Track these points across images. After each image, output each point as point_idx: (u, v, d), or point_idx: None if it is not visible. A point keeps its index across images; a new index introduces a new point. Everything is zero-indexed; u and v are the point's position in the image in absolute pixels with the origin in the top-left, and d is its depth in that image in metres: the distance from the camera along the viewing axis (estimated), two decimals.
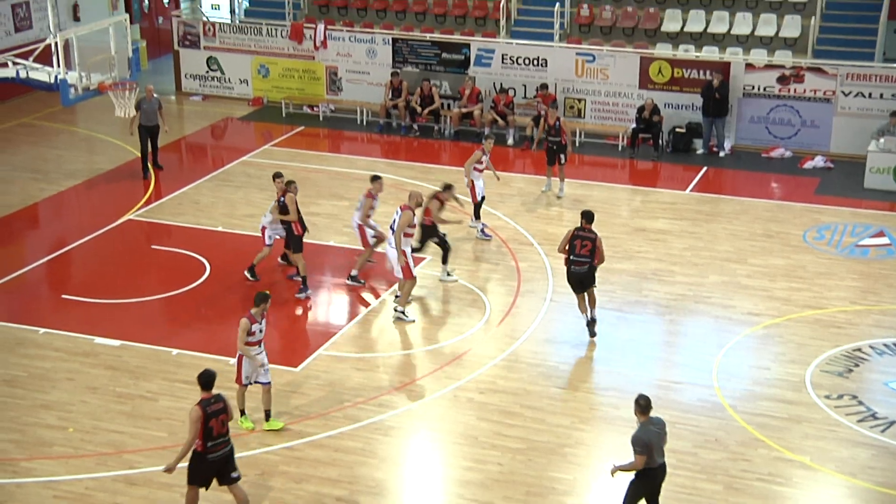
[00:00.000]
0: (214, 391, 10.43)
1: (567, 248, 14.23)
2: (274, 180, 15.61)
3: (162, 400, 12.85)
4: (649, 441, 9.96)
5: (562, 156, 19.35)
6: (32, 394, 13.07)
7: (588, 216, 14.38)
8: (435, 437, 12.43)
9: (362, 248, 16.19)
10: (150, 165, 20.33)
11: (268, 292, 12.21)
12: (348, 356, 14.09)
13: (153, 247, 17.41)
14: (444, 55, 23.98)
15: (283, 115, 24.74)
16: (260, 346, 12.11)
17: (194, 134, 23.84)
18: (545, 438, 12.28)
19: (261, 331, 12.03)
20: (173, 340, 14.31)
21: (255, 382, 12.21)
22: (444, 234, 16.13)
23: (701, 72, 22.33)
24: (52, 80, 18.49)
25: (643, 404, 10.10)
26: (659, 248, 17.52)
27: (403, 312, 15.02)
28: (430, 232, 16.06)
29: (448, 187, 16.23)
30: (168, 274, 16.40)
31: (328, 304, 15.85)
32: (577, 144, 22.69)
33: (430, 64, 24.09)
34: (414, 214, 14.98)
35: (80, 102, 20.76)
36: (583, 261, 14.18)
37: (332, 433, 12.33)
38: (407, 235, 14.97)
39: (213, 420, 10.24)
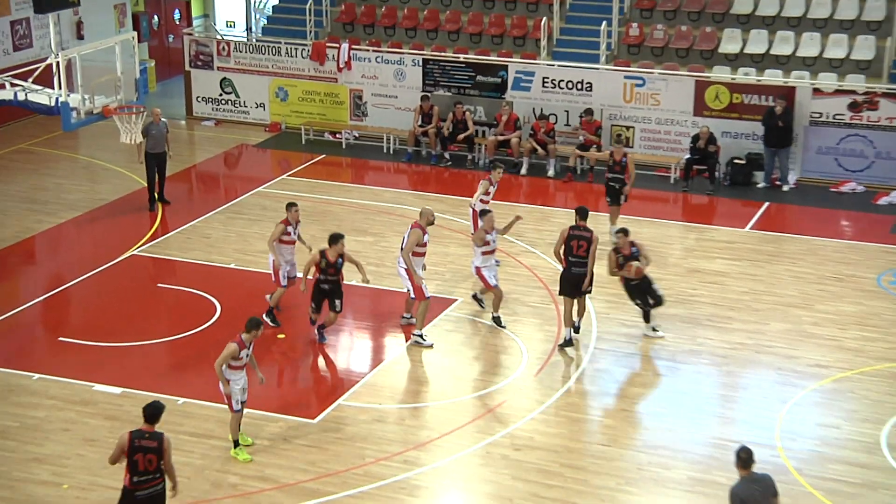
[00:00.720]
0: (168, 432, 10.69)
1: (564, 249, 15.11)
2: (288, 208, 15.59)
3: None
4: (746, 498, 9.88)
5: (623, 196, 19.09)
6: (24, 446, 13.15)
7: (582, 212, 15.27)
8: (465, 499, 12.38)
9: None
10: (156, 196, 20.47)
11: (260, 320, 12.84)
12: (371, 407, 14.09)
13: (159, 285, 17.54)
14: (479, 78, 24.12)
15: (303, 142, 24.94)
16: (242, 372, 12.70)
17: (205, 162, 24.07)
18: (588, 501, 12.20)
19: (247, 355, 12.67)
20: (180, 388, 14.38)
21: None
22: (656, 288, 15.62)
23: (762, 97, 22.30)
24: (53, 103, 18.76)
25: (744, 458, 10.10)
26: (715, 292, 17.44)
27: (421, 336, 15.43)
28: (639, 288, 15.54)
29: (623, 232, 15.52)
30: (175, 315, 16.50)
31: (349, 350, 15.86)
32: None
33: (464, 87, 24.23)
34: (424, 233, 15.48)
35: (82, 127, 21.05)
36: (581, 261, 14.99)
37: (353, 492, 12.31)
38: (416, 255, 15.48)
39: (138, 454, 10.52)
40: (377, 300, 17.13)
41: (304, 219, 20.02)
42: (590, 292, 15.55)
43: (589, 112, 22.69)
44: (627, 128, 23.30)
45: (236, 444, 12.87)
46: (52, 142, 24.76)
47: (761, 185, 22.24)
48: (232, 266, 18.23)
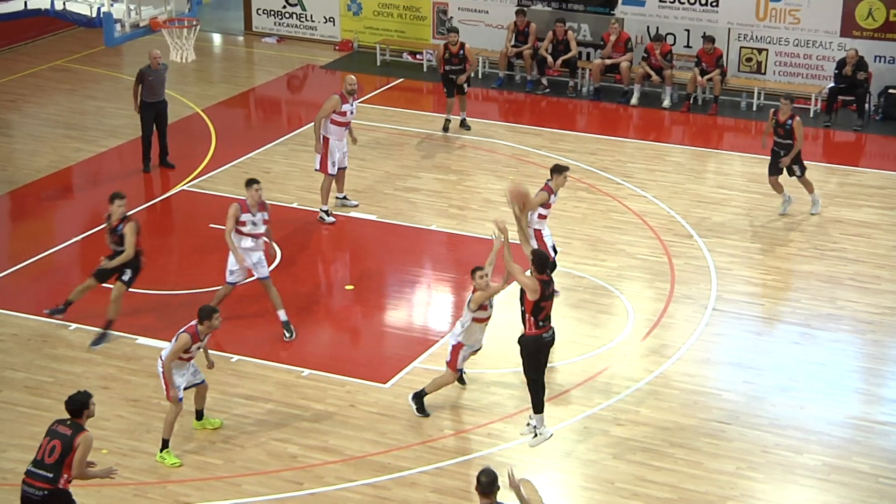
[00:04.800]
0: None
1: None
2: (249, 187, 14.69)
3: (217, 418, 13.10)
4: None
5: (796, 167, 17.75)
6: (59, 404, 13.31)
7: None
8: (559, 480, 12.39)
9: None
10: (150, 156, 19.51)
11: (214, 308, 12.50)
12: None
13: (211, 226, 17.72)
14: None
15: (378, 63, 24.93)
16: (187, 364, 12.50)
17: (266, 85, 24.19)
18: (703, 488, 12.13)
19: (198, 348, 12.45)
20: (232, 344, 14.56)
21: (193, 386, 12.70)
22: None
23: None
24: (94, 14, 18.91)
25: (485, 482, 9.48)
26: (860, 246, 17.15)
27: (326, 213, 17.77)
28: None
29: None
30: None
31: (426, 305, 15.89)
32: (755, 108, 22.34)
33: (567, 1, 23.95)
34: (344, 101, 17.46)
35: (127, 42, 21.23)
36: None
37: (429, 468, 12.38)
38: (336, 123, 17.55)
39: (45, 439, 10.49)
40: (460, 248, 17.10)
41: (377, 152, 20.13)
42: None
43: (710, 39, 22.22)
44: (760, 51, 22.87)
45: (166, 444, 12.45)
46: (92, 58, 25.08)
47: None
48: (294, 206, 18.35)
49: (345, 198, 18.25)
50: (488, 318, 13.05)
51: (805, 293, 15.88)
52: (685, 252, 16.93)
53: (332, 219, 17.72)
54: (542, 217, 14.81)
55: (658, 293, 15.86)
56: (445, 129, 21.08)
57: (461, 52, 20.76)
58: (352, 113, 17.76)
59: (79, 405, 10.61)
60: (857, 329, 15.08)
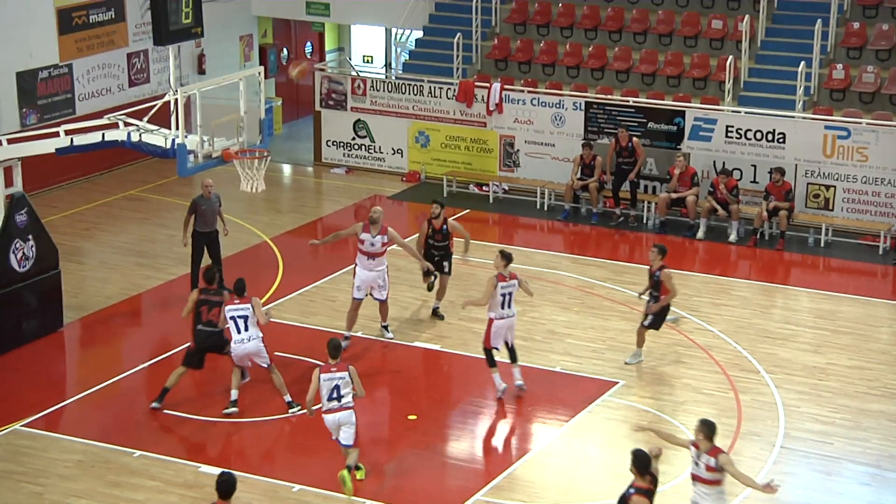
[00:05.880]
0: None
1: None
2: None
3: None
4: None
5: (651, 316, 17.39)
6: None
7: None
8: None
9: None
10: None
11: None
12: None
13: (276, 354, 17.82)
14: (651, 125, 24.02)
15: (445, 194, 25.17)
16: None
17: (334, 214, 24.49)
18: None
19: None
20: (295, 473, 14.52)
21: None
22: None
23: None
24: (169, 145, 19.30)
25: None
26: None
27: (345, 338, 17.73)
28: None
29: None
30: (293, 388, 16.72)
31: (490, 437, 15.78)
32: (823, 244, 22.22)
33: (632, 135, 24.13)
34: (365, 230, 17.60)
35: (199, 173, 21.65)
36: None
37: None
38: (360, 252, 17.65)
39: None
40: (523, 380, 17.03)
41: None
42: None
43: (779, 171, 22.26)
44: (827, 188, 22.83)
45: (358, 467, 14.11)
46: (165, 188, 25.58)
47: None
48: (359, 334, 18.41)
49: (385, 328, 18.30)
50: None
51: (875, 433, 15.60)
52: (752, 388, 16.74)
53: (346, 343, 17.51)
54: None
55: (725, 429, 15.59)
56: (430, 287, 19.36)
57: (444, 227, 18.92)
58: (373, 245, 17.72)
59: (232, 487, 11.27)
60: None
